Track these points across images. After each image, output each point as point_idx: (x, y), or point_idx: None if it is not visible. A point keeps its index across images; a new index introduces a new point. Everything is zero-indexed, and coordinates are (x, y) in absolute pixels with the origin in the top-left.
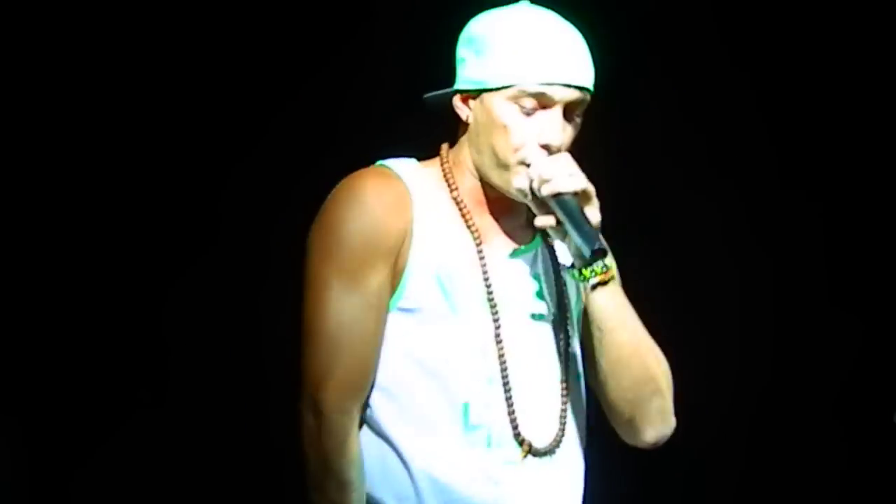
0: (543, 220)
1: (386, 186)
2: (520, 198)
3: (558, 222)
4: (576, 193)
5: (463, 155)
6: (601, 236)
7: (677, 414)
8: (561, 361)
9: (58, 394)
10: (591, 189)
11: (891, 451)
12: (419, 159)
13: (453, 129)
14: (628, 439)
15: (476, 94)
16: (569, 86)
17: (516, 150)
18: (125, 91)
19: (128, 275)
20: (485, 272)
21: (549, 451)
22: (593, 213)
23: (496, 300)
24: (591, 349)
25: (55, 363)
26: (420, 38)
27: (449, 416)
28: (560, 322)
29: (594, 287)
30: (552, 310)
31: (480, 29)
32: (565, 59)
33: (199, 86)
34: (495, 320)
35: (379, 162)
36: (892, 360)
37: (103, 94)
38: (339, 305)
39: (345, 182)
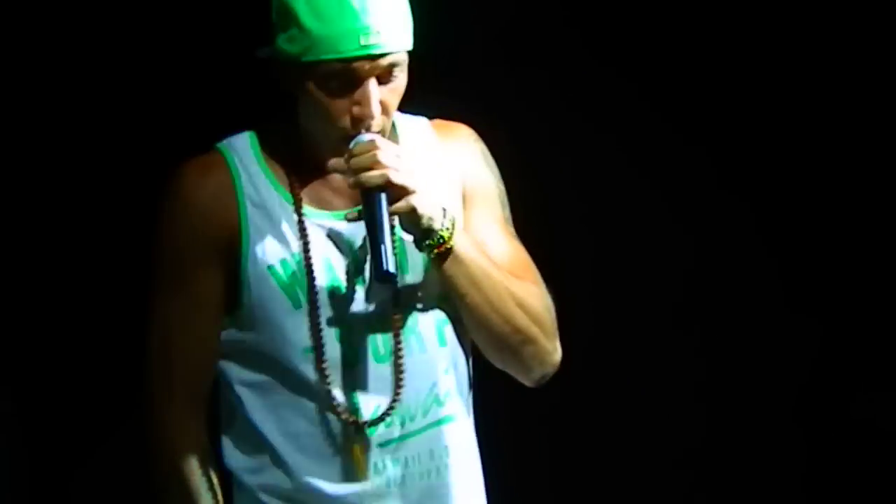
0: (352, 214)
1: (206, 177)
2: (338, 166)
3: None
4: (381, 188)
5: (300, 120)
6: (391, 259)
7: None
8: (390, 328)
9: (57, 393)
10: (408, 182)
11: (851, 453)
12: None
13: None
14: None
15: (293, 59)
16: (373, 56)
17: (335, 126)
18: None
19: (127, 274)
20: (306, 245)
21: (378, 421)
22: (410, 210)
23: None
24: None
25: (54, 362)
26: None
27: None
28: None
29: (436, 258)
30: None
31: None
32: (367, 23)
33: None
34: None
35: (221, 144)
36: (849, 363)
37: (98, 97)
38: (165, 311)
39: (169, 176)
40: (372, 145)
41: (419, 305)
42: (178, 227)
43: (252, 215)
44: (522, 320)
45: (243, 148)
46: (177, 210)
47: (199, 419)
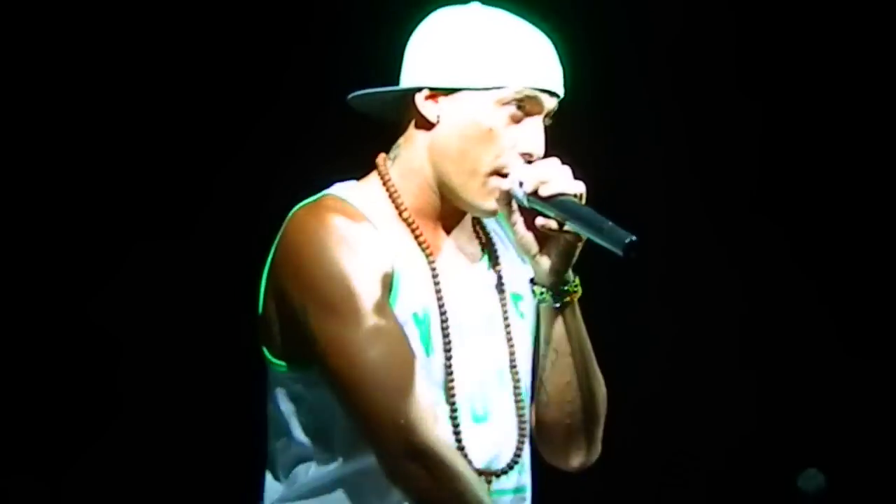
0: (545, 222)
1: (356, 218)
2: (486, 208)
3: (560, 225)
4: (576, 196)
5: (417, 162)
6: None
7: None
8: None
9: (44, 396)
10: (584, 192)
11: None
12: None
13: (388, 136)
14: (552, 460)
15: (449, 92)
16: (553, 94)
17: (497, 156)
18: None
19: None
20: (440, 296)
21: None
22: None
23: (450, 327)
24: (542, 373)
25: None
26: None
27: None
28: (505, 343)
29: (561, 307)
30: (500, 329)
31: (456, 23)
32: (552, 65)
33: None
34: (447, 350)
35: (325, 192)
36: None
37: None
38: (368, 343)
39: (308, 216)
40: (555, 162)
41: (524, 367)
42: (351, 255)
43: (396, 262)
44: (599, 398)
45: (359, 199)
46: (345, 250)
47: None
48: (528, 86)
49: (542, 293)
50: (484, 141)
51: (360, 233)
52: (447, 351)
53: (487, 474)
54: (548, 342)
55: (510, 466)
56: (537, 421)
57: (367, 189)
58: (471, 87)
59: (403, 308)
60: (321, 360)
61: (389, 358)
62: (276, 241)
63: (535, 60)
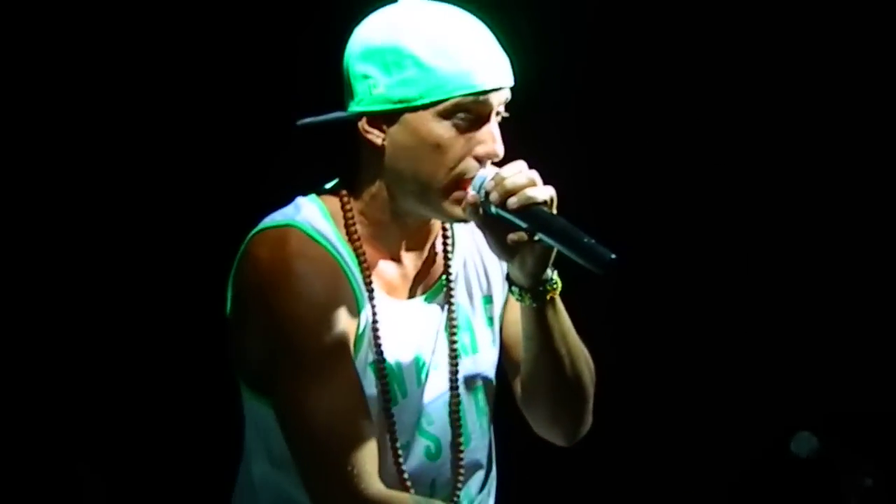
0: (517, 237)
1: (317, 258)
2: (455, 217)
3: (530, 236)
4: (546, 202)
5: (375, 187)
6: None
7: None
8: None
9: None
10: (555, 196)
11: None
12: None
13: (341, 161)
14: (544, 435)
15: (391, 115)
16: (499, 88)
17: (451, 169)
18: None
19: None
20: (378, 342)
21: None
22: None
23: (387, 374)
24: (525, 366)
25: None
26: None
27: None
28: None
29: (547, 304)
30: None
31: (383, 38)
32: (490, 60)
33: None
34: (385, 395)
35: (289, 220)
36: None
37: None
38: (317, 392)
39: (273, 255)
40: (522, 166)
41: (479, 392)
42: (319, 303)
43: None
44: (587, 377)
45: (325, 227)
46: (304, 286)
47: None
48: (467, 92)
49: (519, 294)
50: (434, 157)
51: (329, 284)
52: (385, 394)
53: None
54: (529, 338)
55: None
56: (526, 401)
57: (329, 210)
58: (408, 107)
59: (362, 357)
60: (273, 396)
61: (337, 410)
62: (236, 265)
63: (471, 62)
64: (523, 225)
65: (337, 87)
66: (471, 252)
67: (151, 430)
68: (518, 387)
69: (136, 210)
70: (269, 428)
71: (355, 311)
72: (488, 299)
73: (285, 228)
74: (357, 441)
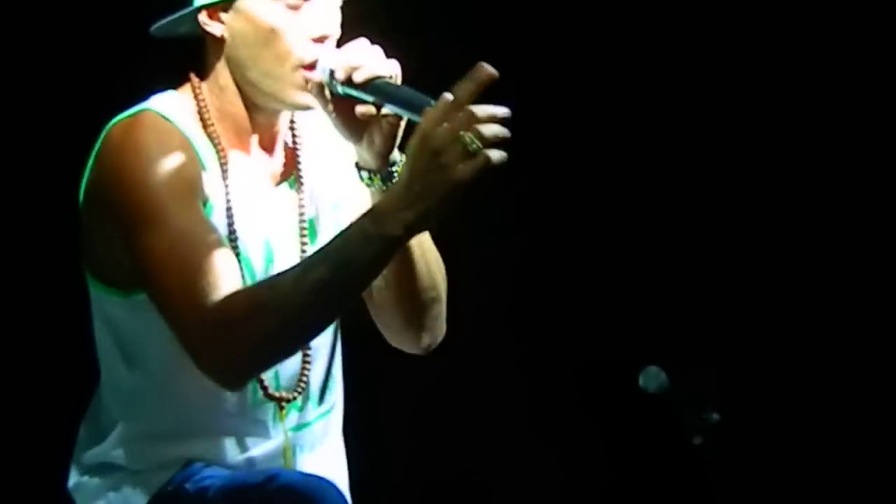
0: (364, 109)
1: (170, 140)
2: (300, 103)
3: (377, 109)
4: (391, 77)
5: (222, 79)
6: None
7: None
8: None
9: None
10: (398, 71)
11: None
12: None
13: (197, 55)
14: (400, 345)
15: (226, 4)
16: None
17: (289, 52)
18: None
19: None
20: (231, 223)
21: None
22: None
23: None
24: None
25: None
26: None
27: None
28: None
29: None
30: (295, 253)
31: None
32: None
33: None
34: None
35: (142, 106)
36: None
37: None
38: (177, 242)
39: (124, 134)
40: (364, 43)
41: None
42: (166, 170)
43: (204, 179)
44: (438, 275)
45: (178, 114)
46: (157, 158)
47: None
48: None
49: (369, 177)
50: (270, 41)
51: (174, 150)
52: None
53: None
54: None
55: (297, 391)
56: (378, 307)
57: (182, 101)
58: None
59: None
60: (139, 272)
61: (195, 248)
62: (92, 157)
63: None
64: (370, 99)
65: None
66: (320, 156)
67: None
68: (370, 295)
69: None
70: (119, 321)
71: (200, 186)
72: (336, 205)
73: (138, 113)
74: (205, 262)
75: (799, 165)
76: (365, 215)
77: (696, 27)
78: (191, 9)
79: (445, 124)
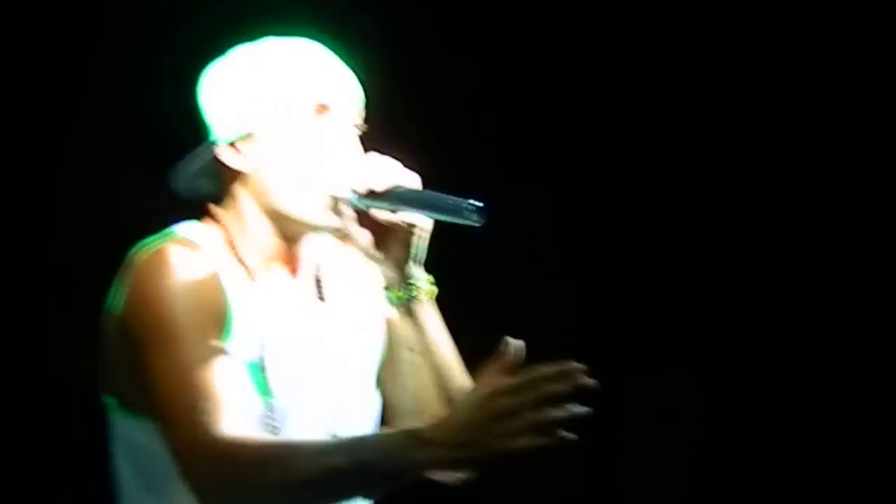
0: (385, 216)
1: (198, 267)
2: (332, 224)
3: (393, 211)
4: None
5: (247, 207)
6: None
7: None
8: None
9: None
10: (418, 181)
11: None
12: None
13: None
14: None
15: (244, 137)
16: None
17: (318, 174)
18: None
19: None
20: (271, 342)
21: None
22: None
23: (280, 374)
24: (399, 373)
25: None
26: None
27: None
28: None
29: (412, 304)
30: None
31: (233, 74)
32: (340, 72)
33: None
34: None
35: (168, 231)
36: None
37: None
38: (190, 367)
39: (155, 272)
40: (379, 157)
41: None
42: (190, 300)
43: (235, 306)
44: (462, 382)
45: (201, 238)
46: (183, 288)
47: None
48: (321, 101)
49: (396, 297)
50: (298, 166)
51: (200, 280)
52: (270, 396)
53: None
54: (400, 343)
55: None
56: (393, 412)
57: (208, 230)
58: (259, 126)
59: (238, 353)
60: (150, 396)
61: (195, 369)
62: (121, 284)
63: (324, 70)
64: (390, 207)
65: (194, 125)
66: (344, 280)
67: None
68: (394, 400)
69: None
70: (139, 447)
71: (226, 318)
72: (360, 329)
73: (165, 239)
74: (212, 392)
75: (787, 170)
76: (407, 431)
77: (697, 30)
78: (211, 146)
79: (518, 396)
